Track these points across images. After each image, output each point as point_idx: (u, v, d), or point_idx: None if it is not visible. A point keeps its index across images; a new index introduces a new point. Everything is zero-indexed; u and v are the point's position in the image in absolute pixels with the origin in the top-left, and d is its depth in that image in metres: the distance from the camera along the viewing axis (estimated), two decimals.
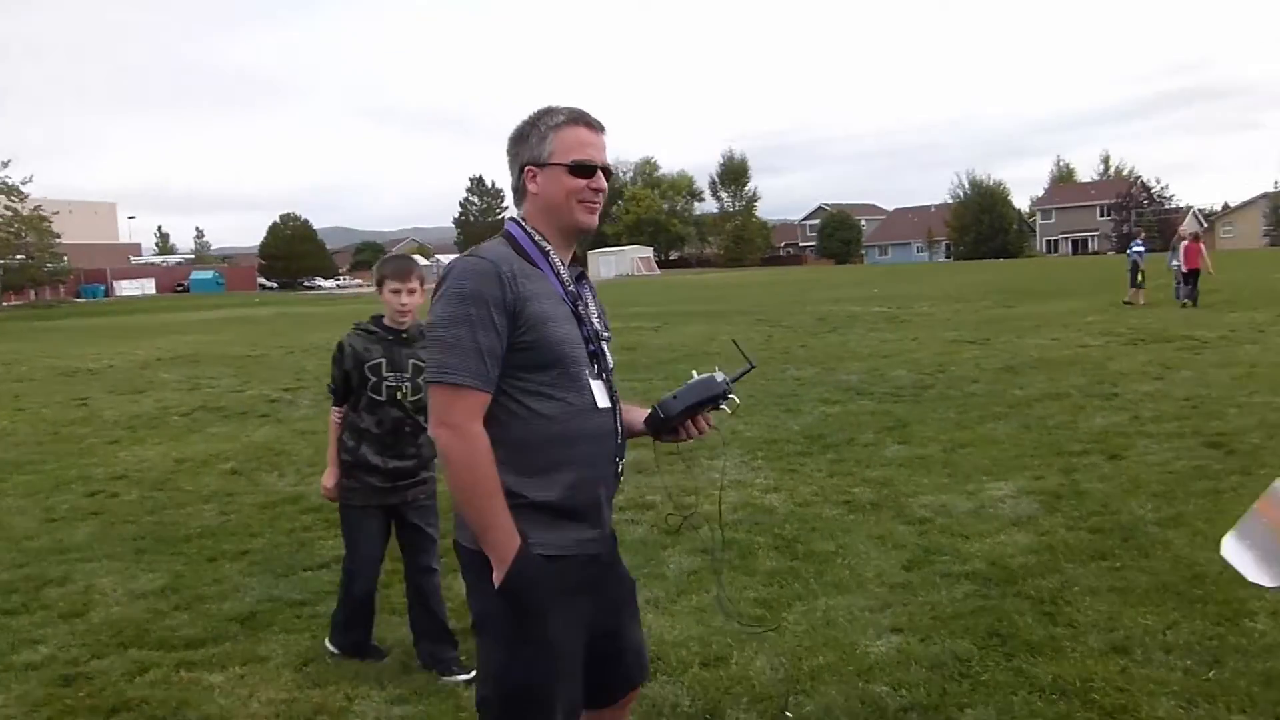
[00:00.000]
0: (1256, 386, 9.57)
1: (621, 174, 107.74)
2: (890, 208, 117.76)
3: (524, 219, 2.31)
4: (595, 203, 2.29)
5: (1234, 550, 1.54)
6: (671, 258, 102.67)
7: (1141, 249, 22.29)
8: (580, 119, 2.28)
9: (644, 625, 4.32)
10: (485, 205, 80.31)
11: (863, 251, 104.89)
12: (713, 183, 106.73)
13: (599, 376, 2.30)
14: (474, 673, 3.86)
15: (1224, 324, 15.99)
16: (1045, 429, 8.15)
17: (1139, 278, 21.61)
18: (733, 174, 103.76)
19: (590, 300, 2.38)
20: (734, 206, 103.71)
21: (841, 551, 5.27)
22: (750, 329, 19.28)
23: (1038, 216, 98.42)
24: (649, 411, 2.40)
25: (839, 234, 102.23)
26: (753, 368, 2.53)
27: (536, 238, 2.28)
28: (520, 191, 2.33)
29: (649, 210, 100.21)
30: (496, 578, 2.14)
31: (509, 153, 2.34)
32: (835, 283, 43.90)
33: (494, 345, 2.13)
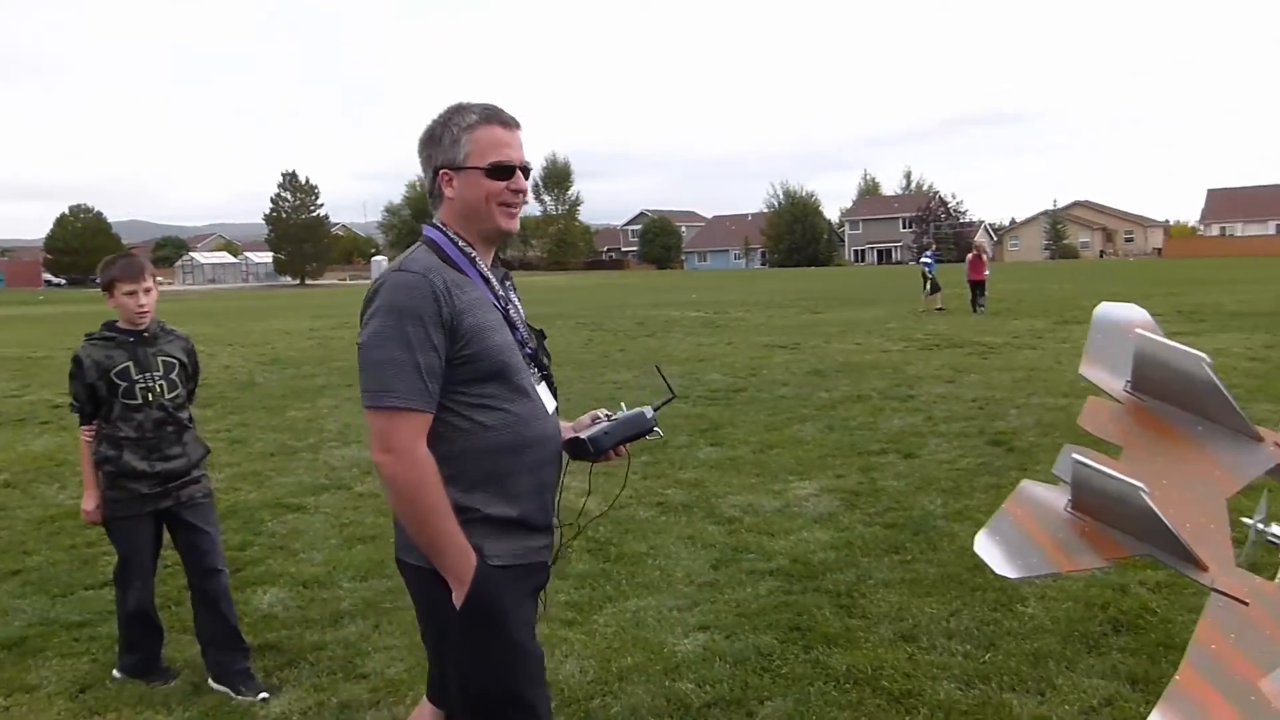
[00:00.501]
0: (1034, 388, 10.38)
1: None
2: (710, 215, 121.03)
3: (444, 223, 2.22)
4: (516, 205, 2.21)
5: (984, 546, 1.66)
6: None
7: (931, 260, 23.99)
8: (494, 117, 2.19)
9: None
10: (299, 202, 77.02)
11: (683, 257, 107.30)
12: (536, 185, 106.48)
13: (541, 379, 2.28)
14: (265, 694, 3.72)
15: (1008, 331, 17.27)
16: (848, 430, 8.56)
17: (929, 286, 23.28)
18: (556, 177, 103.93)
19: (517, 300, 2.33)
20: (557, 210, 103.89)
21: (653, 552, 5.36)
22: (572, 332, 19.35)
23: (846, 227, 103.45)
24: (572, 439, 2.37)
25: (660, 239, 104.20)
26: (674, 398, 2.55)
27: (461, 244, 2.20)
28: (436, 195, 2.24)
29: None
30: (457, 598, 2.11)
31: (421, 155, 2.24)
32: (656, 287, 44.72)
33: (434, 363, 2.06)
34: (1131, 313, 1.84)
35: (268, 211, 77.02)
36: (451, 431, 2.12)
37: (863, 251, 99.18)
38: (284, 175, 77.44)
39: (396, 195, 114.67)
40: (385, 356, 2.03)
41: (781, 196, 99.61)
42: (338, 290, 58.70)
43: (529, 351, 2.25)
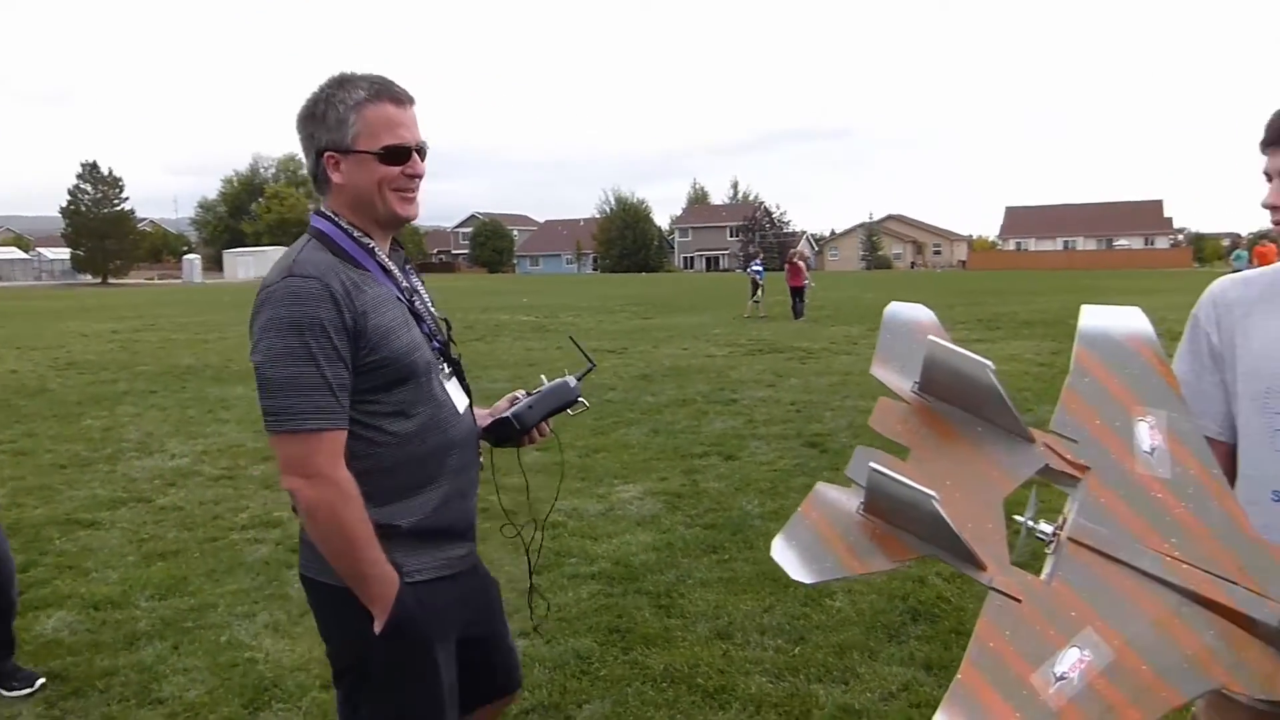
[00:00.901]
0: (849, 392, 10.87)
1: (262, 169, 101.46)
2: (542, 219, 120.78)
3: (334, 212, 1.97)
4: (412, 190, 1.98)
5: (781, 551, 1.66)
6: None
7: (760, 268, 24.93)
8: (385, 92, 1.93)
9: (261, 650, 4.13)
10: (100, 195, 71.79)
11: (515, 261, 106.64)
12: None
13: (451, 375, 2.10)
14: (29, 689, 3.50)
15: (826, 336, 18.03)
16: (672, 434, 8.71)
17: (758, 293, 24.04)
18: None
19: (421, 288, 2.11)
20: None
21: None
22: None
23: (676, 234, 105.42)
24: (494, 421, 2.22)
25: (492, 243, 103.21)
26: (593, 367, 2.43)
27: (356, 233, 1.96)
28: (322, 180, 1.98)
29: (293, 210, 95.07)
30: (379, 624, 1.92)
31: (300, 133, 1.98)
32: (486, 291, 44.21)
33: (341, 375, 1.85)
34: (919, 313, 1.91)
35: (64, 204, 71.45)
36: (363, 445, 1.92)
37: (692, 259, 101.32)
38: (84, 166, 71.97)
39: (211, 190, 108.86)
40: (288, 375, 1.81)
41: (613, 202, 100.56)
42: (144, 290, 55.11)
43: (437, 345, 2.06)
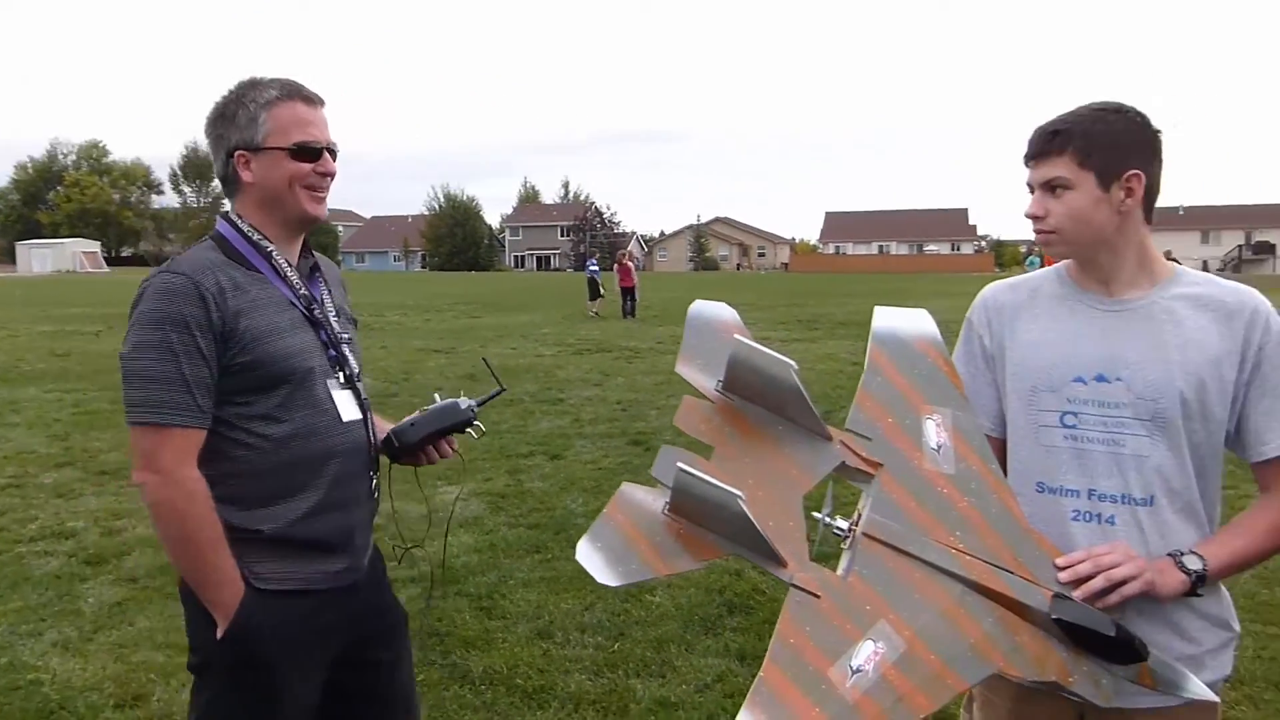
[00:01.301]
0: (674, 391, 11.07)
1: (61, 155, 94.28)
2: (369, 215, 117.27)
3: (238, 215, 1.98)
4: (322, 189, 1.99)
5: (585, 554, 1.66)
6: (124, 254, 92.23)
7: (597, 267, 25.31)
8: (296, 92, 1.96)
9: (48, 671, 3.84)
10: None
11: (340, 257, 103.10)
12: (174, 175, 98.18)
13: (346, 385, 2.02)
14: None
15: (653, 336, 18.31)
16: (498, 434, 8.64)
17: (599, 291, 24.54)
18: (197, 168, 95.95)
19: (328, 298, 2.09)
20: (199, 203, 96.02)
21: None
22: None
23: (507, 233, 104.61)
24: (384, 437, 2.10)
25: (315, 238, 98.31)
26: (503, 390, 2.31)
27: (255, 236, 1.96)
28: (231, 181, 1.98)
29: (96, 200, 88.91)
30: (219, 630, 1.87)
31: (210, 135, 1.98)
32: None
33: (203, 375, 1.83)
34: (722, 312, 1.94)
35: None
36: (230, 447, 1.89)
37: (523, 258, 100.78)
38: None
39: (2, 178, 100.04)
40: (147, 369, 1.81)
41: (442, 199, 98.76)
42: None
43: (333, 355, 2.01)
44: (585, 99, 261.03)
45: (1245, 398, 1.72)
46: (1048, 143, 1.76)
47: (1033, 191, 1.81)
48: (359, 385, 2.07)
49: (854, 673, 1.51)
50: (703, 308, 1.95)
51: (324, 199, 2.01)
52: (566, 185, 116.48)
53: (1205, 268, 72.36)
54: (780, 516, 1.68)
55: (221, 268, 1.90)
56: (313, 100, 1.99)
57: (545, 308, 27.65)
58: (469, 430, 2.14)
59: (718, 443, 1.79)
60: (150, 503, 1.85)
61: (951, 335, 1.94)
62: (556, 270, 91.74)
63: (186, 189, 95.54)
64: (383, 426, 2.18)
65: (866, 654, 1.54)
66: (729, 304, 1.96)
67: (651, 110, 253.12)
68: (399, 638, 2.22)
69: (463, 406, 2.12)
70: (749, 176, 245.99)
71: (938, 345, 1.87)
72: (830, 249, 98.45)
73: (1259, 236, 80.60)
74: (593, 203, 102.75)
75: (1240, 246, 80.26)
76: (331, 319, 2.06)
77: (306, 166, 1.95)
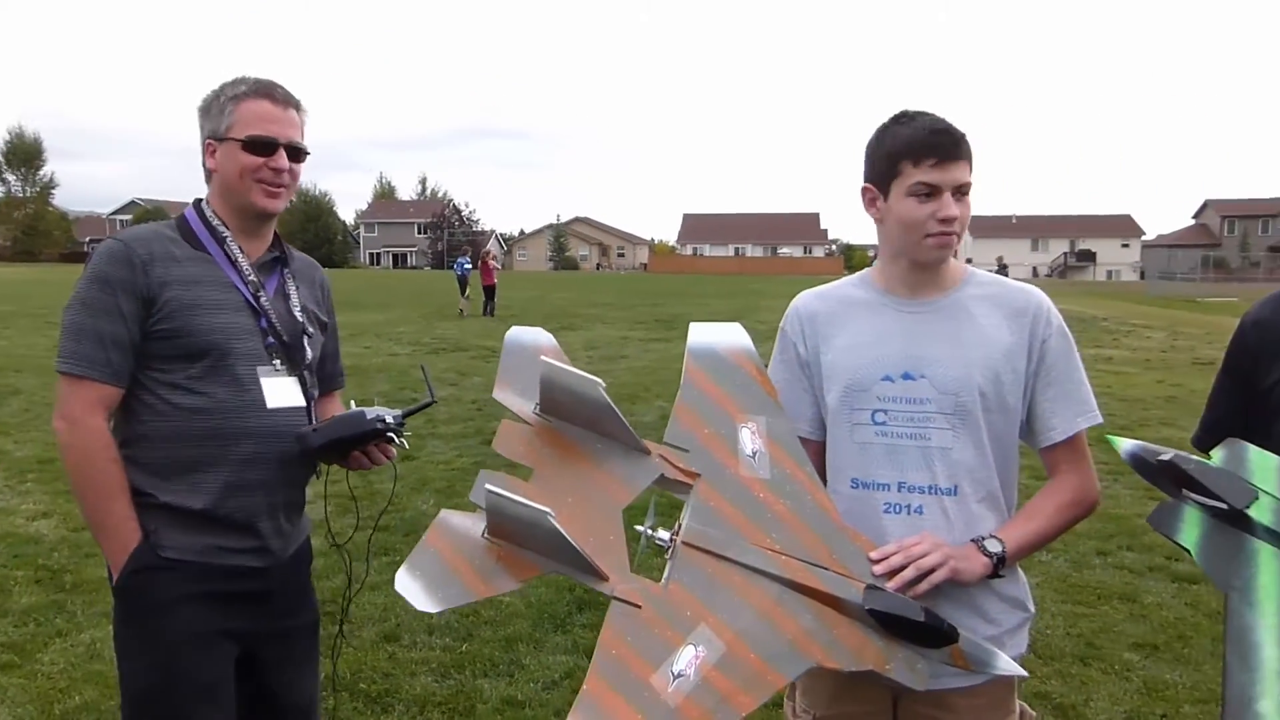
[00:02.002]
0: None
1: None
2: None
3: (206, 200, 2.12)
4: (276, 185, 2.06)
5: (404, 583, 1.66)
6: None
7: (469, 265, 25.04)
8: (265, 91, 2.07)
9: None
10: None
11: None
12: None
13: (285, 373, 2.08)
14: None
15: None
16: None
17: (466, 290, 24.49)
18: (23, 155, 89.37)
19: (293, 291, 2.16)
20: (25, 192, 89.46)
21: None
22: (36, 333, 16.80)
23: (362, 229, 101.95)
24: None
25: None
26: (433, 402, 2.21)
27: (214, 221, 2.08)
28: (205, 168, 2.11)
29: None
30: (113, 577, 1.97)
31: (200, 124, 2.11)
32: None
33: (120, 333, 1.94)
34: (539, 337, 1.98)
35: None
36: (143, 410, 1.99)
37: (379, 255, 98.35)
38: None
39: None
40: (71, 321, 1.95)
41: (294, 194, 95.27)
42: None
43: (271, 343, 2.06)
44: (442, 95, 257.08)
45: (1033, 388, 1.86)
46: (958, 147, 1.78)
47: (938, 192, 1.77)
48: (307, 376, 2.12)
49: (675, 678, 1.57)
50: (519, 334, 2.00)
51: (278, 194, 2.08)
52: (424, 182, 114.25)
53: (1035, 274, 77.23)
54: (600, 531, 1.72)
55: (163, 240, 2.03)
56: (282, 100, 2.09)
57: (401, 306, 27.09)
58: (392, 439, 2.08)
59: (537, 464, 1.82)
60: (60, 446, 1.97)
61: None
62: (414, 268, 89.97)
63: (10, 177, 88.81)
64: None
65: (688, 659, 1.59)
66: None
67: (511, 109, 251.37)
68: (304, 642, 2.24)
69: (369, 416, 2.04)
70: (609, 177, 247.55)
71: (751, 356, 1.95)
72: (688, 250, 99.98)
73: (1082, 245, 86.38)
74: (451, 200, 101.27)
75: (1065, 254, 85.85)
76: (294, 310, 2.14)
77: (258, 160, 2.04)
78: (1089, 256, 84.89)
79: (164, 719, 1.98)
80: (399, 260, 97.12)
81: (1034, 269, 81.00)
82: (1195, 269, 44.83)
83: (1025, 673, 1.83)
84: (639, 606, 1.64)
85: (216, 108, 2.07)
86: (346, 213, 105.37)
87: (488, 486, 1.64)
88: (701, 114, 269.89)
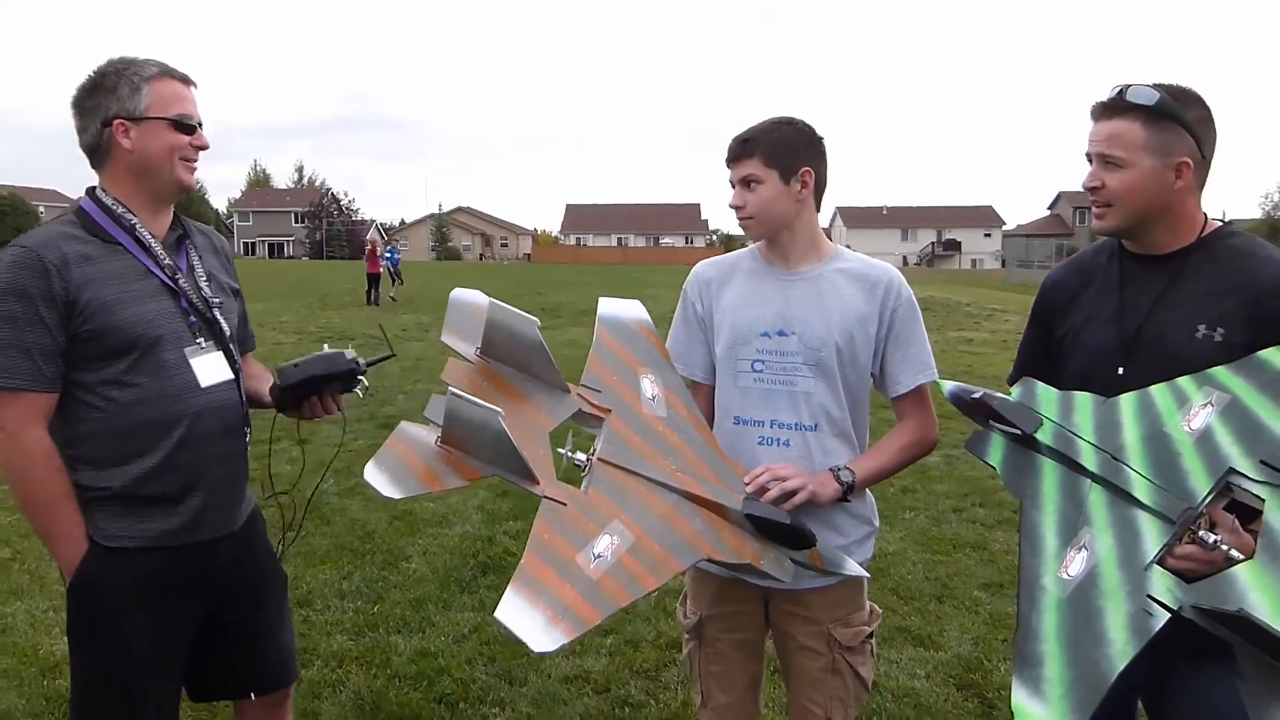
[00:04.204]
0: (420, 376, 11.20)
1: None
2: (76, 195, 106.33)
3: (103, 189, 2.10)
4: (195, 161, 2.14)
5: (371, 474, 1.96)
6: None
7: (397, 254, 26.08)
8: (173, 72, 2.12)
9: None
10: None
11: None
12: None
13: (213, 349, 2.13)
14: None
15: (398, 324, 18.15)
16: None
17: (396, 279, 24.98)
18: None
19: (199, 264, 2.19)
20: None
21: (20, 556, 4.91)
22: None
23: (236, 218, 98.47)
24: (272, 386, 2.17)
25: (11, 220, 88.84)
26: (392, 355, 2.38)
27: (119, 210, 2.08)
28: (101, 150, 2.08)
29: None
30: (65, 581, 2.04)
31: (83, 105, 2.07)
32: None
33: (46, 342, 1.96)
34: (478, 297, 2.29)
35: None
36: (81, 409, 2.02)
37: (254, 244, 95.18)
38: None
39: None
40: None
41: None
42: None
43: (194, 322, 2.11)
44: (318, 82, 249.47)
45: (885, 349, 2.27)
46: (741, 148, 2.23)
47: (734, 187, 2.27)
48: (231, 347, 2.18)
49: (595, 558, 1.90)
50: (463, 293, 2.33)
51: (194, 168, 2.16)
52: (301, 170, 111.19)
53: (905, 262, 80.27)
54: (531, 448, 2.04)
55: (70, 240, 2.02)
56: (188, 80, 2.16)
57: (281, 296, 26.50)
58: (355, 389, 2.21)
59: (476, 394, 2.13)
60: (0, 460, 2.01)
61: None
62: (291, 258, 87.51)
63: None
64: (265, 378, 2.29)
65: (605, 544, 1.93)
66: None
67: (389, 98, 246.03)
68: (272, 600, 2.34)
69: (348, 356, 2.19)
70: (491, 167, 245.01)
71: (648, 325, 2.37)
72: (571, 240, 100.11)
73: (948, 234, 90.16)
74: (329, 189, 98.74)
75: (933, 244, 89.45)
76: (203, 285, 2.18)
77: (184, 138, 2.10)
78: (955, 246, 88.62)
79: (116, 700, 2.08)
80: (275, 250, 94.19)
81: (904, 258, 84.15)
82: (1050, 257, 47.54)
83: (867, 574, 2.23)
84: (564, 505, 1.97)
85: (127, 87, 2.05)
86: (219, 201, 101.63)
87: (451, 390, 1.94)
88: (583, 105, 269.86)
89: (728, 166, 2.27)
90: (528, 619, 1.77)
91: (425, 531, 5.43)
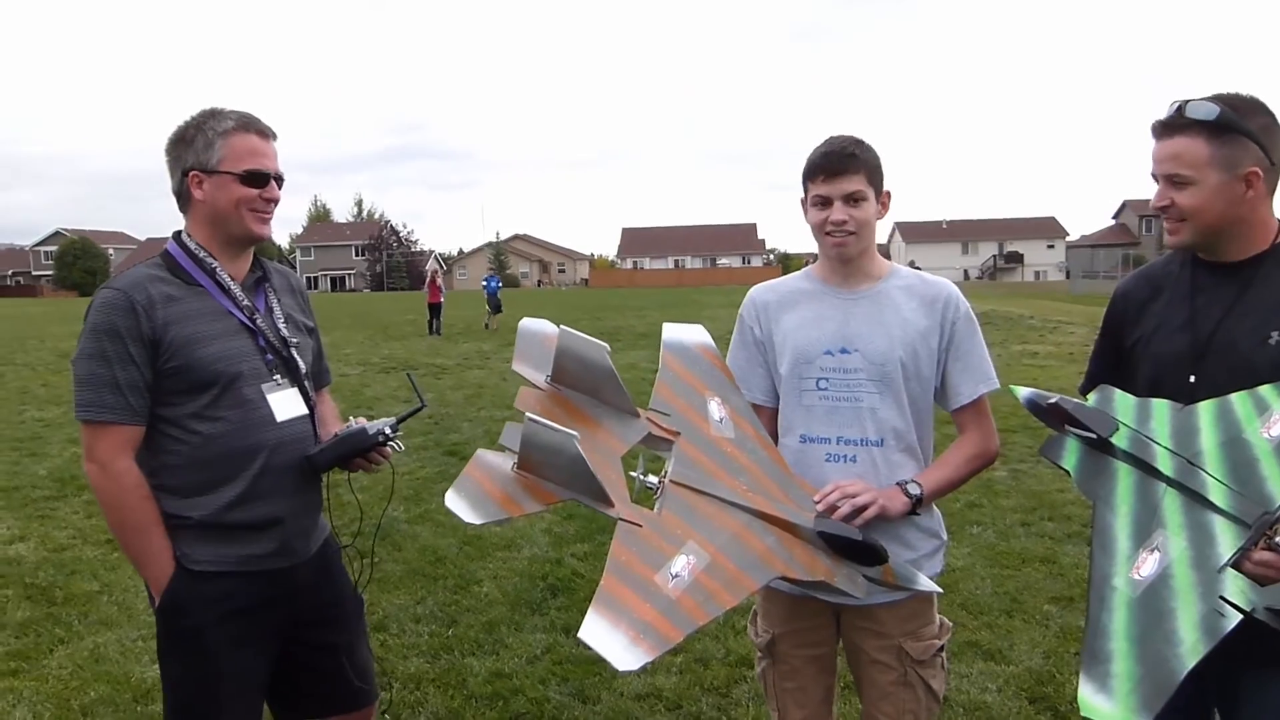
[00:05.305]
0: (483, 403, 11.37)
1: None
2: (144, 237, 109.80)
3: (188, 234, 2.23)
4: (267, 213, 2.24)
5: (452, 501, 2.03)
6: None
7: (498, 283, 26.65)
8: (251, 125, 2.21)
9: None
10: None
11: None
12: None
13: (289, 385, 2.25)
14: None
15: (459, 353, 18.45)
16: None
17: (500, 306, 25.48)
18: None
19: (276, 305, 2.32)
20: None
21: (107, 589, 5.09)
22: None
23: (298, 253, 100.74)
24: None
25: (82, 263, 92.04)
26: (423, 406, 2.48)
27: (201, 254, 2.22)
28: (185, 198, 2.22)
29: None
30: (155, 602, 2.17)
31: (169, 154, 2.22)
32: (77, 315, 39.62)
33: (135, 378, 2.09)
34: (545, 326, 2.36)
35: None
36: (167, 442, 2.15)
37: (315, 279, 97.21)
38: None
39: None
40: (87, 372, 2.08)
41: None
42: None
43: (270, 360, 2.24)
44: (372, 116, 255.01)
45: (945, 362, 2.30)
46: (849, 163, 2.20)
47: (829, 201, 2.21)
48: (306, 384, 2.30)
49: (674, 577, 1.96)
50: (530, 323, 2.40)
51: (268, 220, 2.26)
52: (360, 203, 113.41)
53: (966, 276, 79.13)
54: (604, 470, 2.10)
55: (156, 282, 2.16)
56: (266, 133, 2.25)
57: (344, 328, 27.06)
58: (390, 445, 2.31)
59: (550, 419, 2.20)
60: (94, 489, 2.15)
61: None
62: (352, 290, 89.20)
63: None
64: (330, 426, 2.39)
65: (682, 564, 1.98)
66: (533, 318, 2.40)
67: (443, 128, 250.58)
68: (351, 623, 2.46)
69: (371, 431, 2.27)
70: (547, 194, 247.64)
71: (713, 350, 2.41)
72: (628, 264, 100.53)
73: (1009, 247, 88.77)
74: (388, 221, 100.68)
75: (994, 256, 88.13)
76: (280, 325, 2.30)
77: (254, 191, 2.20)
78: (1016, 258, 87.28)
79: (205, 715, 2.21)
80: (337, 283, 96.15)
81: (965, 272, 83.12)
82: (1116, 267, 46.56)
83: (940, 589, 2.26)
84: (639, 526, 2.02)
85: (202, 141, 2.18)
86: (281, 237, 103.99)
87: (528, 415, 2.01)
88: (637, 129, 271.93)
89: (824, 180, 2.21)
90: (610, 638, 1.82)
91: (494, 555, 5.52)
